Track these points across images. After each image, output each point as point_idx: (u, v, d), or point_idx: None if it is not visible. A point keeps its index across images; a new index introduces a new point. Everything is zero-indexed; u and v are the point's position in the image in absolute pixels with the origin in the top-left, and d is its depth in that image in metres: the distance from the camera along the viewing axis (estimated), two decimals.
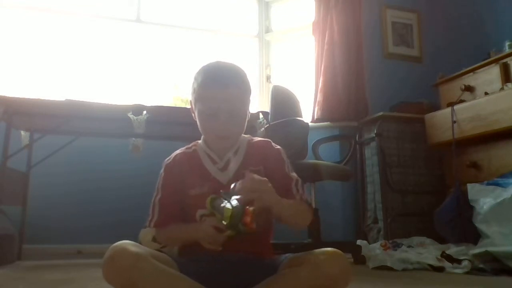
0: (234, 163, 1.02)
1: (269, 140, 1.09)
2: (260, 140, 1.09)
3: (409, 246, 2.29)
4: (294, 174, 1.05)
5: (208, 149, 1.04)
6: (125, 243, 0.84)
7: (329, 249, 0.88)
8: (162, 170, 1.05)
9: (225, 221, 0.85)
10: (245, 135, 1.08)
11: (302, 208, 0.99)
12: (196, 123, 1.04)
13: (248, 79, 1.04)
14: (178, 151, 1.07)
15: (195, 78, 1.01)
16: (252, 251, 0.95)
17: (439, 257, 1.94)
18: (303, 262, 0.88)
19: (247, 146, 1.05)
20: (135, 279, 0.80)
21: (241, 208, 0.84)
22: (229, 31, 3.57)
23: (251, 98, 1.05)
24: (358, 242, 2.36)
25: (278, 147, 1.07)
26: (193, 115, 1.05)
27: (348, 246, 2.25)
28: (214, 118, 0.97)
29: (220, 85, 0.97)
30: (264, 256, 0.99)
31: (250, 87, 1.04)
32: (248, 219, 0.84)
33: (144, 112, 2.27)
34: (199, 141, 1.08)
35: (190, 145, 1.08)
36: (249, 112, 1.05)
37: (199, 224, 0.91)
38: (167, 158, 1.06)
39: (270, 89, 2.48)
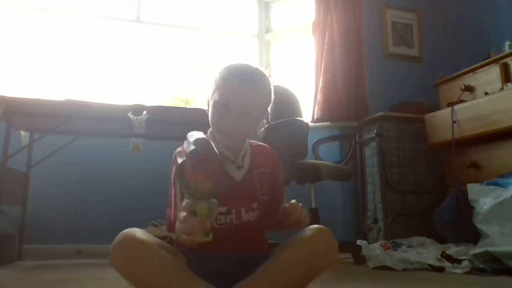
0: (246, 161, 1.03)
1: (266, 145, 1.12)
2: (260, 144, 1.12)
3: (409, 246, 2.29)
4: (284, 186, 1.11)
5: (219, 145, 1.02)
6: (134, 230, 0.86)
7: (315, 226, 0.92)
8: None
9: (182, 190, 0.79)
10: None
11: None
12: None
13: (271, 90, 1.03)
14: None
15: (220, 72, 1.02)
16: (253, 248, 0.97)
17: (439, 257, 1.94)
18: (292, 242, 0.90)
19: (251, 147, 1.07)
20: (143, 265, 0.81)
21: (181, 165, 0.78)
22: (229, 31, 3.57)
23: (268, 109, 1.05)
24: (358, 242, 2.36)
25: (275, 153, 1.11)
26: (206, 108, 1.05)
27: (348, 246, 2.25)
28: (226, 111, 0.97)
29: (241, 80, 0.97)
30: (264, 250, 1.00)
31: (270, 97, 1.04)
32: (188, 170, 0.77)
33: (144, 112, 2.27)
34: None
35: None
36: (263, 123, 1.06)
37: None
38: (180, 148, 1.01)
39: None
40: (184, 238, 0.78)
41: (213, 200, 0.80)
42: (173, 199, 0.97)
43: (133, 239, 0.82)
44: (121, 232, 0.84)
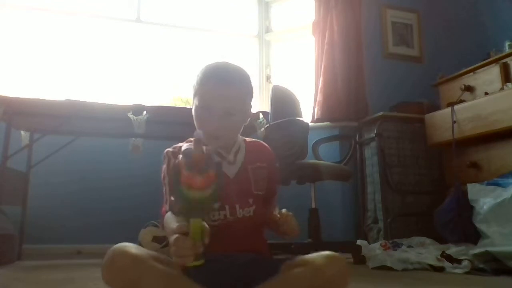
0: (240, 157, 1.03)
1: (263, 143, 1.12)
2: (257, 140, 1.12)
3: (409, 246, 2.29)
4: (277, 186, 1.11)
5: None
6: (125, 245, 0.83)
7: (328, 252, 0.89)
8: (169, 157, 1.01)
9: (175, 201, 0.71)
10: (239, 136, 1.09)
11: None
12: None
13: (251, 84, 1.03)
14: (180, 144, 1.04)
15: (197, 74, 1.01)
16: (251, 247, 0.96)
17: (439, 257, 1.94)
18: (302, 265, 0.88)
19: (245, 144, 1.07)
20: (135, 281, 0.79)
21: (176, 169, 0.70)
22: (229, 31, 3.57)
23: (251, 104, 1.04)
24: (358, 242, 2.36)
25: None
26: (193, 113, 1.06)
27: (348, 246, 2.25)
28: (208, 113, 0.96)
29: (218, 82, 0.96)
30: (262, 251, 1.00)
31: (251, 92, 1.03)
32: (183, 173, 0.69)
33: (144, 112, 2.27)
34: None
35: (187, 141, 1.05)
36: (249, 118, 1.06)
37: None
38: (171, 148, 1.03)
39: (270, 89, 2.48)
40: (174, 260, 0.76)
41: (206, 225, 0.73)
42: (165, 196, 0.98)
43: (125, 255, 0.80)
44: (112, 248, 0.82)
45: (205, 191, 0.69)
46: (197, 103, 0.99)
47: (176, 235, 0.76)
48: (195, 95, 1.00)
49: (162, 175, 1.02)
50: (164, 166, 1.02)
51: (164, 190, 1.01)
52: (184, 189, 0.69)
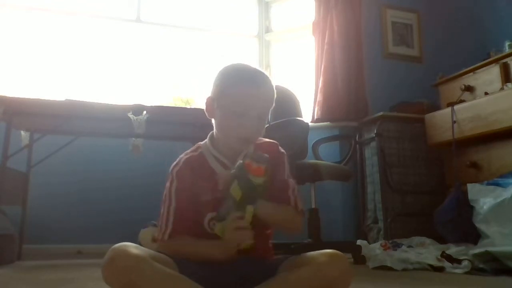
0: None
1: (276, 142, 1.08)
2: (267, 141, 1.08)
3: (409, 246, 2.29)
4: (291, 180, 1.05)
5: (216, 152, 1.00)
6: (125, 244, 0.83)
7: (329, 250, 0.88)
8: (172, 177, 0.99)
9: (236, 193, 0.88)
10: None
11: (291, 213, 1.00)
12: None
13: (273, 85, 1.02)
14: (183, 156, 1.02)
15: (222, 74, 0.99)
16: (254, 253, 0.95)
17: (439, 257, 1.94)
18: (303, 263, 0.87)
19: (254, 148, 1.04)
20: (135, 281, 0.79)
21: (241, 166, 0.89)
22: (229, 31, 3.57)
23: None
24: (358, 242, 2.36)
25: (283, 151, 1.07)
26: (206, 114, 1.02)
27: (348, 246, 2.25)
28: (243, 118, 0.94)
29: (254, 84, 0.95)
30: (265, 257, 0.99)
31: (274, 93, 1.02)
32: (252, 167, 0.88)
33: (144, 112, 2.27)
34: (203, 143, 1.04)
35: (194, 147, 1.04)
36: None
37: (216, 242, 0.91)
38: (174, 164, 1.01)
39: None
40: (230, 241, 0.88)
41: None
42: (164, 216, 0.97)
43: (125, 254, 0.80)
44: (112, 248, 0.81)
45: (265, 177, 0.90)
46: (229, 105, 0.96)
47: (234, 219, 0.88)
48: (223, 97, 0.97)
49: (165, 194, 0.98)
50: (168, 185, 0.99)
51: (163, 211, 0.97)
52: (252, 177, 0.88)
